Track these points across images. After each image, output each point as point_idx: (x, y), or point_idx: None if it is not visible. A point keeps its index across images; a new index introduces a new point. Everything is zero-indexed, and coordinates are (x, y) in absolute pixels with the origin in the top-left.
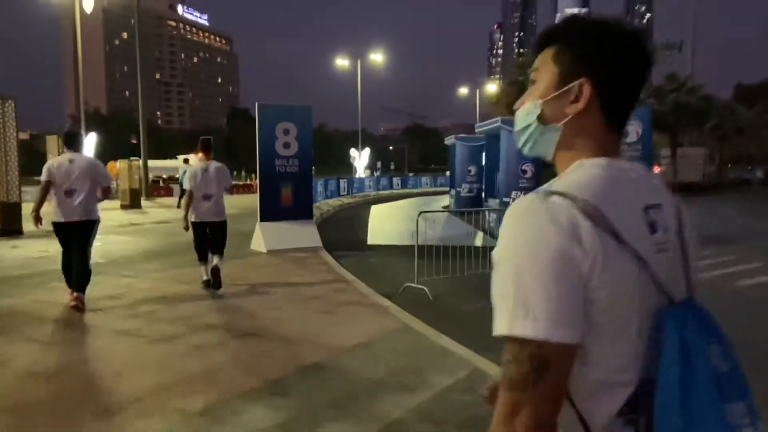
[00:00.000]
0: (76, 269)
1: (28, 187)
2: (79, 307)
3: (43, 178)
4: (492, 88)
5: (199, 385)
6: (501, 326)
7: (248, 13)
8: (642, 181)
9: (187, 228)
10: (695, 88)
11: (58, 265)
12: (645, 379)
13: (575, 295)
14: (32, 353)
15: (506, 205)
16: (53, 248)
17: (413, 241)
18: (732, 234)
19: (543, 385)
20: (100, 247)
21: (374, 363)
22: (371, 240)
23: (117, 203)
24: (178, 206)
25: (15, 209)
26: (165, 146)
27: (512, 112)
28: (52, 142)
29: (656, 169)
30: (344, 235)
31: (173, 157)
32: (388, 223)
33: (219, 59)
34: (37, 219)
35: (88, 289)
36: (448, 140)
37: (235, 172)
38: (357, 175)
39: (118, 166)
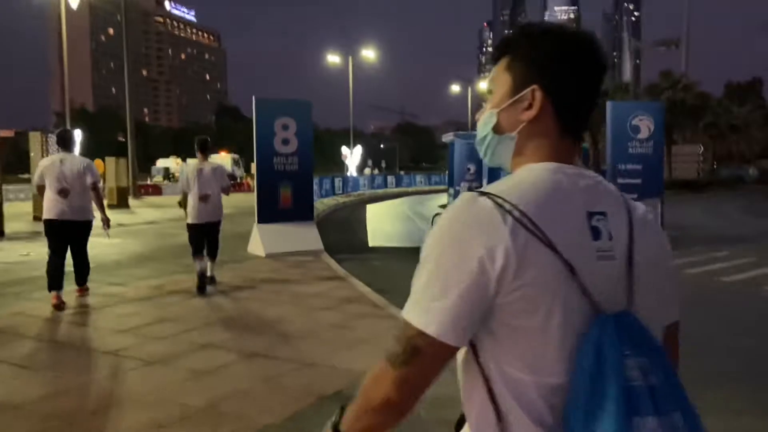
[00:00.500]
0: (77, 265)
1: (12, 186)
2: (84, 295)
3: (36, 181)
4: (484, 85)
5: (203, 423)
6: (404, 309)
7: (236, 10)
8: (589, 188)
9: (184, 206)
10: (690, 86)
11: (41, 271)
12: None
13: (474, 304)
14: (5, 381)
15: None
16: (36, 251)
17: (418, 243)
18: (744, 234)
19: (409, 369)
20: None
21: None
22: (372, 242)
23: (104, 203)
24: (179, 205)
25: None
26: (152, 144)
27: None
28: (35, 139)
29: None
30: (344, 236)
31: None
32: (387, 224)
33: (207, 56)
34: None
35: (71, 300)
36: (446, 137)
37: None
38: (349, 173)
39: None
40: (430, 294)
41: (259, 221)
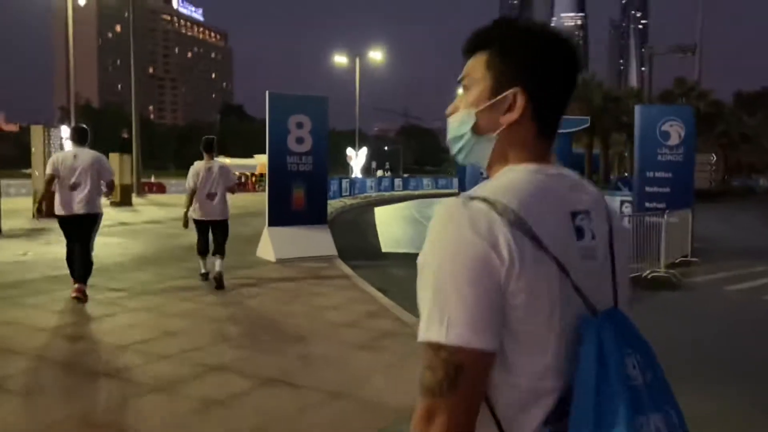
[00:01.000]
0: (79, 261)
1: (15, 180)
2: (81, 298)
3: (48, 171)
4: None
5: None
6: (420, 332)
7: (244, 9)
8: (571, 187)
9: (186, 225)
10: (705, 93)
11: (38, 273)
12: (568, 387)
13: (492, 301)
14: None
15: None
16: (34, 250)
17: None
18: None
19: (457, 391)
20: None
21: None
22: (385, 247)
23: (106, 200)
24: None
25: None
26: (157, 142)
27: None
28: (37, 133)
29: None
30: (356, 240)
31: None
32: (397, 228)
33: (213, 54)
34: (40, 211)
35: (69, 307)
36: None
37: None
38: (353, 175)
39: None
40: (450, 306)
41: (270, 224)
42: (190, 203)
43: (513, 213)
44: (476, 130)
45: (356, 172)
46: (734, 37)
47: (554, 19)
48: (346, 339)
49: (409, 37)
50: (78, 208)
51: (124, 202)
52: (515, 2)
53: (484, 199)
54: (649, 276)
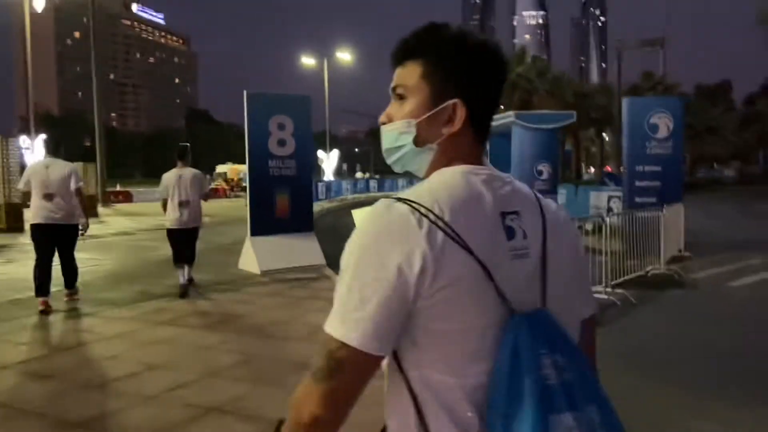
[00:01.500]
0: (65, 269)
1: None
2: (74, 299)
3: (21, 186)
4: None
5: None
6: (327, 321)
7: (206, 13)
8: (502, 188)
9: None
10: (672, 87)
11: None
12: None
13: (392, 312)
14: None
15: None
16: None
17: None
18: (764, 239)
19: (333, 383)
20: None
21: None
22: None
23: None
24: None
25: None
26: (121, 149)
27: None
28: None
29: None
30: (340, 246)
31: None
32: None
33: (176, 59)
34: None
35: (35, 337)
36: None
37: None
38: (325, 178)
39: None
40: (351, 305)
41: (253, 233)
42: (164, 206)
43: (434, 215)
44: (416, 141)
45: (328, 175)
46: (695, 31)
47: (516, 17)
48: None
49: (375, 38)
50: (55, 218)
51: (89, 212)
52: (477, 2)
53: (409, 202)
54: (650, 274)
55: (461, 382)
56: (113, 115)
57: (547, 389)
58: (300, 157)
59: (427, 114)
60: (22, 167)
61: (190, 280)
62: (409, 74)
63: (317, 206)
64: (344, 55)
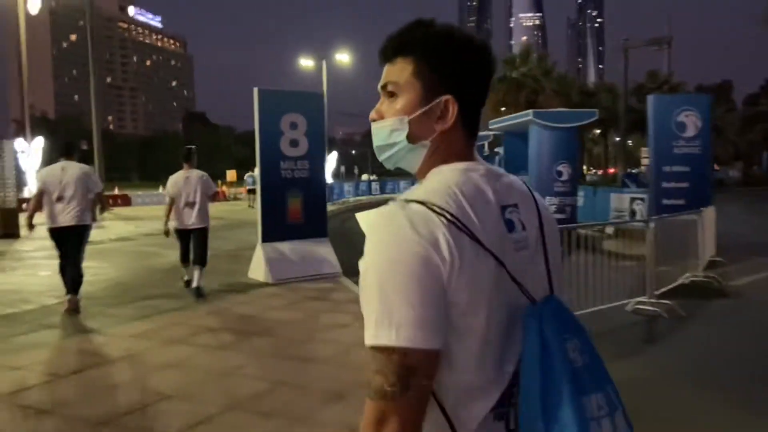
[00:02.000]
0: (69, 274)
1: None
2: (74, 309)
3: (37, 187)
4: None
5: None
6: (367, 337)
7: (204, 16)
8: (500, 182)
9: (167, 234)
10: (678, 86)
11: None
12: (514, 373)
13: (436, 300)
14: None
15: None
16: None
17: None
18: None
19: (409, 393)
20: (49, 281)
21: None
22: None
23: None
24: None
25: None
26: (118, 152)
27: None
28: None
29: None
30: (352, 252)
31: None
32: None
33: (173, 62)
34: (30, 225)
35: (29, 361)
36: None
37: None
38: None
39: None
40: (394, 308)
41: (264, 240)
42: (169, 213)
43: (449, 213)
44: (409, 137)
45: (328, 178)
46: (695, 31)
47: (513, 20)
48: None
49: (370, 41)
50: (66, 219)
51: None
52: (473, 3)
53: (421, 202)
54: (688, 281)
55: (483, 377)
56: (110, 118)
57: (576, 372)
58: (313, 157)
59: (420, 110)
60: (17, 171)
61: (199, 291)
62: (399, 71)
63: None
64: (343, 56)
